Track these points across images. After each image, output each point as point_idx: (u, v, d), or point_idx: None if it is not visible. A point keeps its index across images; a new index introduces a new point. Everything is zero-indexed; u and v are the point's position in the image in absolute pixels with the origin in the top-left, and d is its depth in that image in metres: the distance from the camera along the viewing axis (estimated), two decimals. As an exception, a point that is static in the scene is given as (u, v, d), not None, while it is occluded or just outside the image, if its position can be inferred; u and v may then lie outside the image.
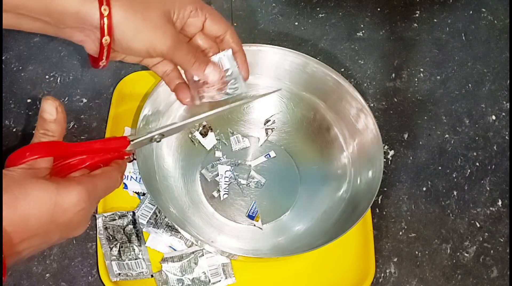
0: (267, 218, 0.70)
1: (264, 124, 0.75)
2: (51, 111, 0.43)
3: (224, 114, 0.75)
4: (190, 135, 0.73)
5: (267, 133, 0.75)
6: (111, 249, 0.65)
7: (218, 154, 0.74)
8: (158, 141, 0.50)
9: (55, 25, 0.46)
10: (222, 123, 0.75)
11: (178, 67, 0.56)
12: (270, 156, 0.74)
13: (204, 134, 0.74)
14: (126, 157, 0.49)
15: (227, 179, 0.72)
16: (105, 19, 0.45)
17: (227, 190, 0.71)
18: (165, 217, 0.67)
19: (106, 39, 0.47)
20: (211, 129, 0.74)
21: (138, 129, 0.63)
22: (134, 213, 0.68)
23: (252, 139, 0.76)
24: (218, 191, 0.71)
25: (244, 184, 0.72)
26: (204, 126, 0.74)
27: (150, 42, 0.48)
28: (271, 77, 0.72)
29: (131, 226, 0.67)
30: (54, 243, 0.43)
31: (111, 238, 0.66)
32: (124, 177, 0.71)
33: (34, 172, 0.41)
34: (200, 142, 0.74)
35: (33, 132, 0.75)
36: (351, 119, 0.69)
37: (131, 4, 0.47)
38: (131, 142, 0.48)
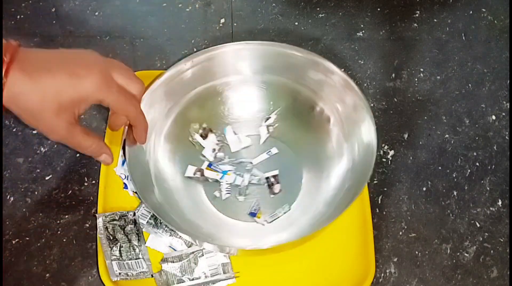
0: (269, 214, 0.70)
1: (265, 121, 0.75)
2: None
3: (223, 115, 0.75)
4: (190, 139, 0.73)
5: (268, 131, 0.75)
6: (111, 248, 0.65)
7: (219, 154, 0.74)
8: None
9: None
10: (222, 124, 0.75)
11: None
12: (272, 152, 0.74)
13: (204, 136, 0.74)
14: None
15: (228, 179, 0.72)
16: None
17: (229, 190, 0.71)
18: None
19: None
20: (211, 131, 0.74)
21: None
22: (134, 213, 0.68)
23: (253, 137, 0.76)
24: (220, 191, 0.71)
25: (246, 182, 0.72)
26: (204, 128, 0.74)
27: (43, 131, 0.54)
28: (243, 73, 0.73)
29: (131, 226, 0.67)
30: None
31: (111, 238, 0.66)
32: (124, 177, 0.71)
33: None
34: (201, 145, 0.74)
35: (33, 132, 0.76)
36: (329, 88, 0.70)
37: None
38: None
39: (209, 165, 0.73)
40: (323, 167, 0.72)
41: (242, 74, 0.73)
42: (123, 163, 0.71)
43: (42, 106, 0.50)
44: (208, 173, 0.72)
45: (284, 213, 0.70)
